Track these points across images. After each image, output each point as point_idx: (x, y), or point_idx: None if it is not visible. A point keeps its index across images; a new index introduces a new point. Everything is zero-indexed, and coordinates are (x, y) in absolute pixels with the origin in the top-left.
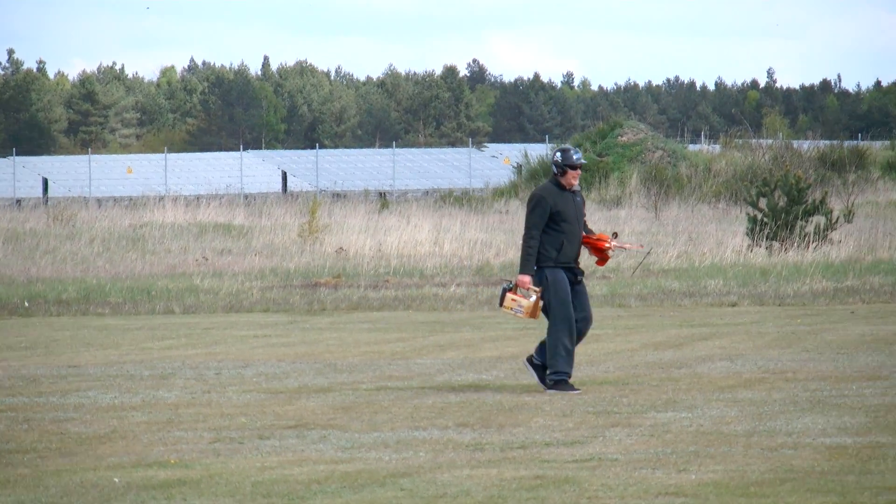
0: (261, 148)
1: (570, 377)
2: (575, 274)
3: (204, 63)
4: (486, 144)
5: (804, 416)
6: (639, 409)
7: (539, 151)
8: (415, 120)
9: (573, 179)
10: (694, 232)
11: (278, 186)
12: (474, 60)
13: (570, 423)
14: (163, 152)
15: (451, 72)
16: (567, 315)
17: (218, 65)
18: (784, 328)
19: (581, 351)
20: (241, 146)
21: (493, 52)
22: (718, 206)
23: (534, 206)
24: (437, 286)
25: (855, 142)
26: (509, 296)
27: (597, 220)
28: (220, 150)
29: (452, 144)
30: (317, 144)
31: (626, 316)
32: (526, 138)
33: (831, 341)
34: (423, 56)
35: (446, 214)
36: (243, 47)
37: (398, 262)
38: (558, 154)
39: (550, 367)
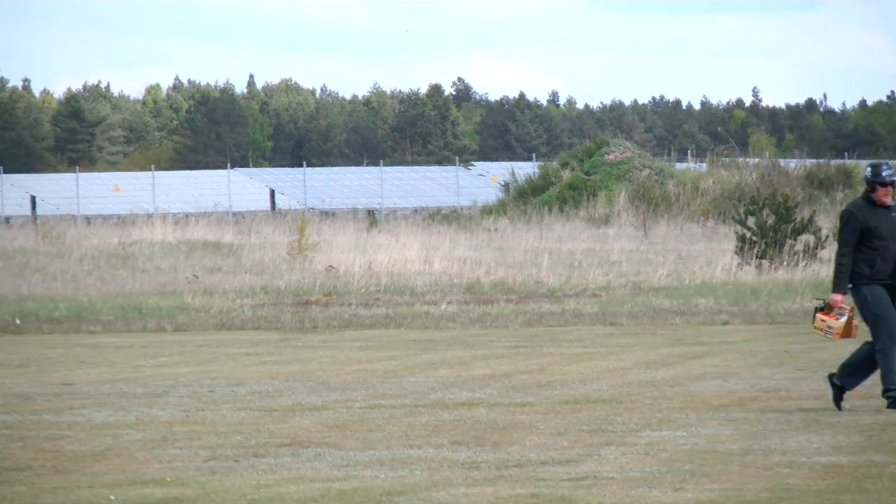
0: (248, 166)
1: None
2: (894, 289)
3: (189, 81)
4: (473, 163)
5: (799, 434)
6: (633, 428)
7: (526, 170)
8: (401, 138)
9: (883, 196)
10: (683, 250)
11: (266, 204)
12: (459, 79)
13: (564, 442)
14: (150, 170)
15: (436, 90)
16: (891, 331)
17: (203, 83)
18: (776, 347)
19: (573, 370)
20: (229, 164)
21: (478, 71)
22: (707, 224)
23: (844, 223)
24: (427, 304)
25: (841, 160)
26: (819, 316)
27: (585, 238)
28: (208, 168)
29: (439, 163)
30: (304, 162)
31: (618, 334)
32: (513, 156)
33: (823, 360)
34: (408, 74)
35: (435, 232)
36: (228, 65)
37: (388, 280)
38: (868, 170)
39: (885, 385)
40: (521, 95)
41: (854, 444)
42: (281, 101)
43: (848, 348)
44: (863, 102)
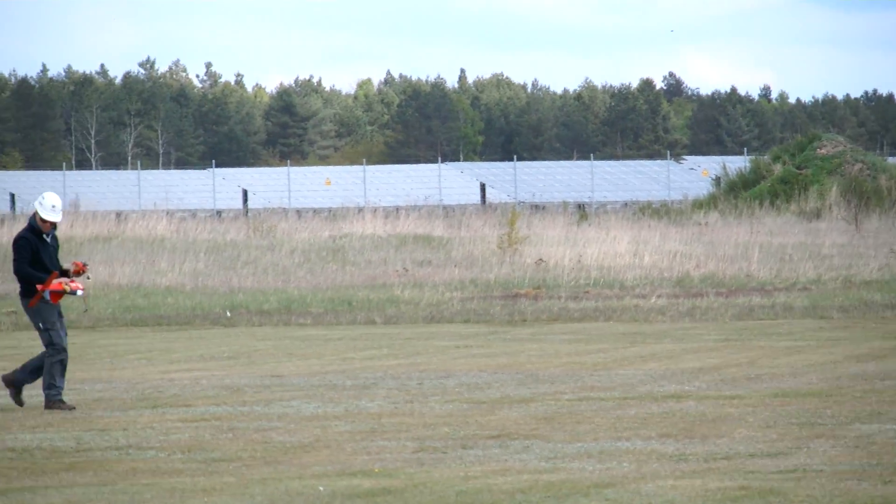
0: (459, 160)
1: None
2: None
3: (401, 76)
4: (684, 157)
5: None
6: (843, 421)
7: (737, 164)
8: (612, 132)
9: None
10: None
11: (476, 198)
12: (671, 73)
13: (773, 435)
14: (361, 164)
15: (647, 84)
16: None
17: (415, 78)
18: None
19: (783, 363)
20: (439, 158)
21: (690, 66)
22: None
23: None
24: (637, 297)
25: None
26: None
27: (797, 232)
28: (418, 162)
29: (650, 157)
30: (514, 156)
31: (828, 328)
32: (724, 151)
33: None
34: (620, 69)
35: (645, 226)
36: (440, 60)
37: (598, 274)
38: None
39: None
40: (733, 90)
41: None
42: (492, 96)
43: None
44: None
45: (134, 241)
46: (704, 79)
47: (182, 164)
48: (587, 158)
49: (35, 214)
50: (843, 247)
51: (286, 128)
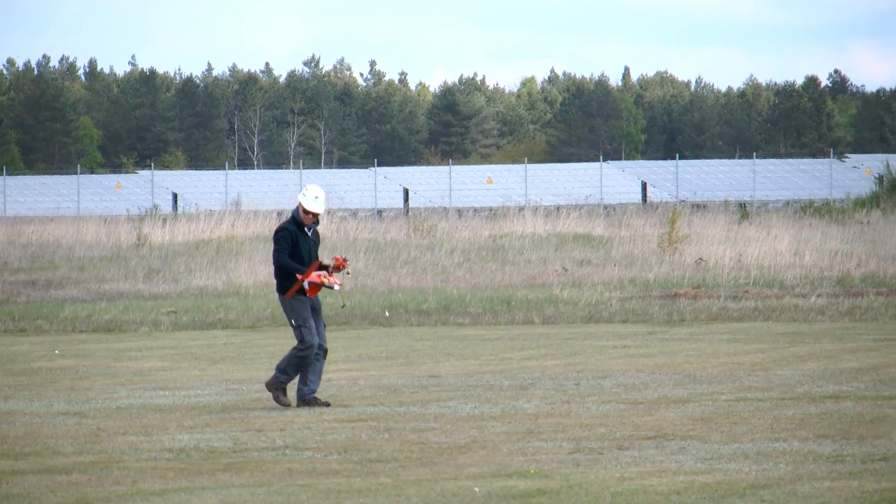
0: (620, 158)
1: None
2: None
3: (564, 74)
4: (847, 155)
5: None
6: None
7: None
8: (775, 130)
9: None
10: None
11: (637, 197)
12: (836, 70)
13: None
14: (522, 163)
15: (812, 82)
16: None
17: (578, 75)
18: None
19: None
20: (601, 157)
21: (856, 62)
22: None
23: None
24: (797, 297)
25: None
26: None
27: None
28: (580, 160)
29: (813, 155)
30: (676, 155)
31: None
32: (888, 149)
33: None
34: (785, 66)
35: (807, 225)
36: (604, 58)
37: (758, 273)
38: None
39: None
40: None
41: None
42: (655, 94)
43: None
44: None
45: None
46: (870, 76)
47: (344, 163)
48: (749, 157)
49: (298, 206)
50: None
51: (449, 126)
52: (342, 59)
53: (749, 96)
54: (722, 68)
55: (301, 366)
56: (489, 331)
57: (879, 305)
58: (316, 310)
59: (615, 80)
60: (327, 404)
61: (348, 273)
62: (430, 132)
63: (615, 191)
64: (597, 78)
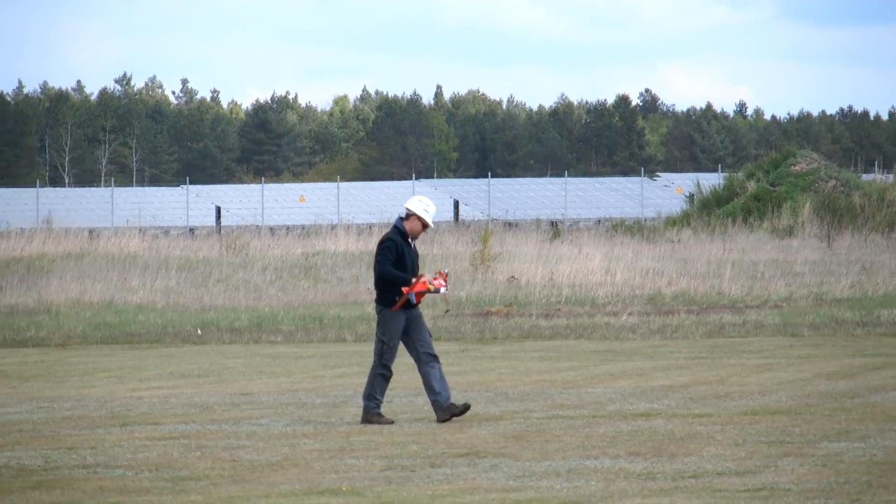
0: (433, 177)
1: None
2: None
3: (376, 92)
4: (658, 174)
5: None
6: (811, 439)
7: (711, 181)
8: (587, 149)
9: None
10: (867, 261)
11: (450, 215)
12: (647, 90)
13: (742, 453)
14: (335, 181)
15: (623, 101)
16: None
17: (390, 94)
18: None
19: (753, 381)
20: (414, 175)
21: (666, 82)
22: (892, 235)
23: None
24: (608, 315)
25: None
26: None
27: (769, 249)
28: (392, 178)
29: (624, 174)
30: (489, 173)
31: (798, 345)
32: (698, 167)
33: None
34: (596, 85)
35: (618, 243)
36: (416, 76)
37: (570, 291)
38: None
39: None
40: (709, 106)
41: None
42: (467, 112)
43: None
44: None
45: (106, 258)
46: (680, 95)
47: (156, 181)
48: (561, 175)
49: (407, 217)
50: (815, 264)
51: (261, 144)
52: (154, 77)
53: (561, 115)
54: (534, 87)
55: (383, 382)
56: (302, 348)
57: (690, 323)
58: (417, 318)
59: (427, 98)
60: (466, 406)
61: (447, 289)
62: (243, 150)
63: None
64: (409, 96)
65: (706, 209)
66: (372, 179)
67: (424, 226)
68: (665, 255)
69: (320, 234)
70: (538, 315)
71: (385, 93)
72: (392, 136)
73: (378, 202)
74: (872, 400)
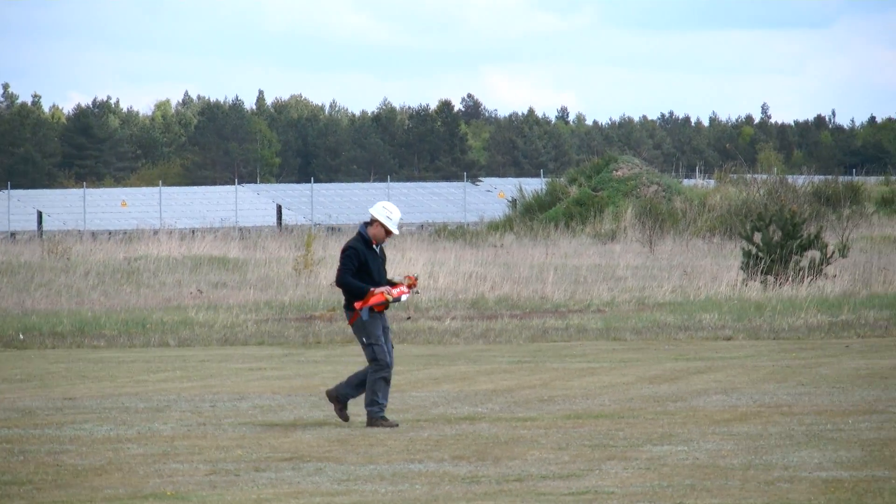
0: (255, 182)
1: None
2: None
3: (199, 97)
4: (480, 179)
5: (800, 449)
6: (635, 443)
7: (534, 186)
8: (410, 154)
9: None
10: (689, 266)
11: (273, 220)
12: (469, 95)
13: (566, 457)
14: (157, 186)
15: (446, 106)
16: None
17: (213, 99)
18: (779, 362)
19: (577, 385)
20: (236, 180)
21: (489, 87)
22: (713, 240)
23: None
24: (432, 319)
25: (850, 177)
26: None
27: (591, 254)
28: (215, 183)
29: (447, 178)
30: (311, 178)
31: (621, 349)
32: (521, 172)
33: (827, 375)
34: (418, 91)
35: (441, 248)
36: (238, 81)
37: None
38: None
39: None
40: (531, 111)
41: (855, 459)
42: (290, 117)
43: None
44: (871, 119)
45: None
46: (503, 101)
47: None
48: (384, 180)
49: (369, 223)
50: (636, 269)
51: (83, 149)
52: None
53: (383, 120)
54: (356, 92)
55: (384, 386)
56: (124, 353)
57: (513, 328)
58: (386, 327)
59: (249, 103)
60: (346, 419)
61: (417, 292)
62: (64, 155)
63: (250, 214)
64: (231, 101)
65: (529, 214)
66: (194, 184)
67: (388, 232)
68: (488, 259)
69: (143, 239)
70: None
71: (207, 97)
72: (214, 141)
73: (200, 207)
74: (694, 404)
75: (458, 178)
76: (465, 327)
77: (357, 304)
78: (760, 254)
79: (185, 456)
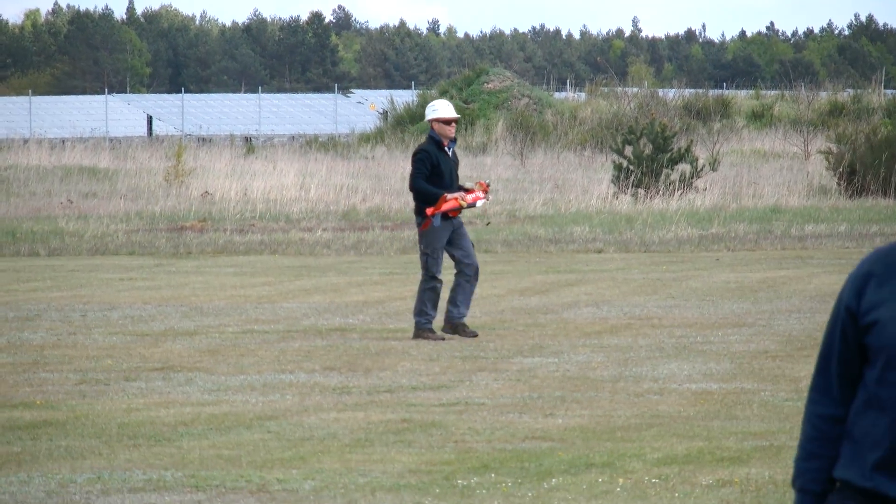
0: (126, 92)
1: None
2: None
3: (68, 6)
4: (352, 90)
5: (670, 362)
6: (505, 355)
7: (405, 98)
8: (280, 66)
9: None
10: (560, 179)
11: (143, 130)
12: (340, 7)
13: (436, 368)
14: (27, 95)
15: (316, 17)
16: None
17: (83, 8)
18: (649, 275)
19: (447, 297)
20: (106, 90)
21: None
22: (584, 153)
23: None
24: (303, 231)
25: (720, 91)
26: None
27: (462, 166)
28: (85, 93)
29: (318, 90)
30: (182, 89)
31: (491, 262)
32: (392, 85)
33: (696, 288)
34: (289, 2)
35: (312, 160)
36: None
37: (264, 207)
38: None
39: None
40: (402, 24)
41: (724, 372)
42: (160, 27)
43: None
44: (742, 33)
45: None
46: (374, 12)
47: None
48: (255, 91)
49: (433, 124)
50: (508, 181)
51: None
52: None
53: (254, 31)
54: (226, 3)
55: (434, 297)
56: None
57: (384, 240)
58: (459, 228)
59: (120, 13)
60: (474, 334)
61: (489, 198)
62: None
63: (121, 124)
64: (101, 11)
65: (400, 126)
66: (64, 94)
67: (448, 121)
68: (359, 171)
69: (12, 149)
70: (232, 230)
71: (77, 7)
72: (84, 51)
73: (70, 116)
74: (565, 316)
75: (329, 89)
76: (336, 239)
77: (429, 210)
78: (631, 167)
79: (55, 365)
